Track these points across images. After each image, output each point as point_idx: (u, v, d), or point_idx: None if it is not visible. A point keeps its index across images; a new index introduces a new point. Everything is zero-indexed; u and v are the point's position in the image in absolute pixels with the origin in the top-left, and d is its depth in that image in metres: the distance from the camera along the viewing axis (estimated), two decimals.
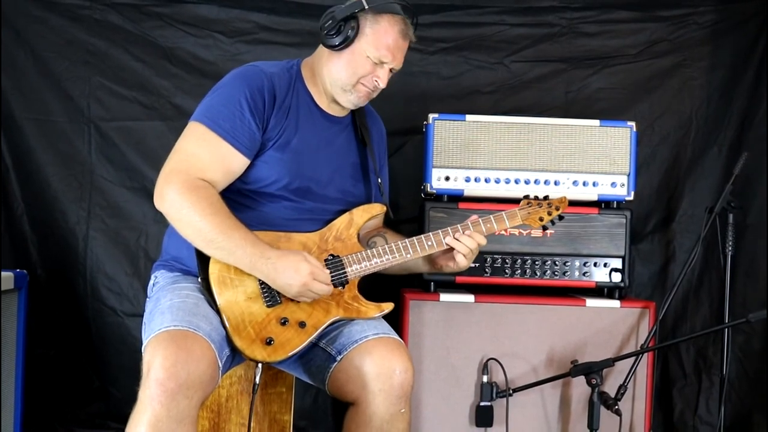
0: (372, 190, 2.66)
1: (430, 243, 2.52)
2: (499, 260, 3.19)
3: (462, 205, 3.18)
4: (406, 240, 2.51)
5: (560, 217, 2.62)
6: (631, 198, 3.23)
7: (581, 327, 3.15)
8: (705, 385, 3.65)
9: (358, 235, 2.53)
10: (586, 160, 3.21)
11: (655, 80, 3.71)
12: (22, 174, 3.59)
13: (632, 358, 3.03)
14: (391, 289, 3.33)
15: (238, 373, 2.62)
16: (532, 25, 3.72)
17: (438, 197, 3.21)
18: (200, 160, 2.37)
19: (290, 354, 2.36)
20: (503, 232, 3.15)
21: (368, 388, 2.32)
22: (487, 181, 3.20)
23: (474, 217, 2.57)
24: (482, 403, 3.10)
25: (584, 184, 3.21)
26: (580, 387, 3.08)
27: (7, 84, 3.57)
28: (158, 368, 2.10)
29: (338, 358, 2.37)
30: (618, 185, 3.21)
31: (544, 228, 2.62)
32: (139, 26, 3.62)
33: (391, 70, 2.52)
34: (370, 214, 2.56)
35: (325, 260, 2.44)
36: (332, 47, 2.48)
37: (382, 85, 2.52)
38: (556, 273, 3.20)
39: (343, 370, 2.36)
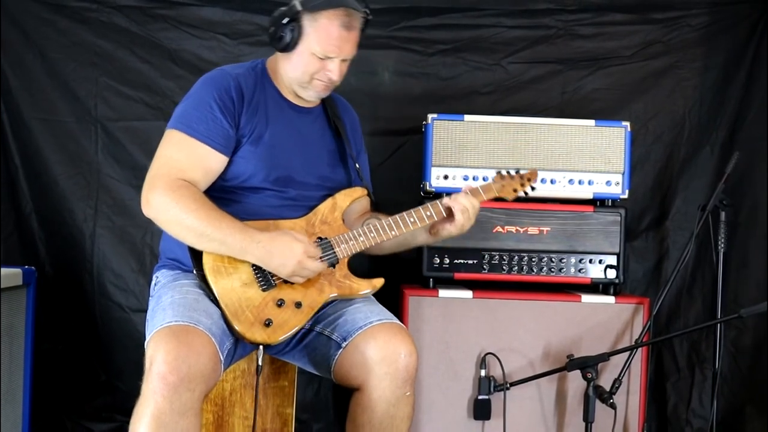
0: (351, 176, 2.71)
1: (429, 214, 2.56)
2: (497, 257, 3.23)
3: None
4: (390, 219, 2.55)
5: (532, 188, 2.70)
6: (625, 196, 3.26)
7: (577, 322, 3.18)
8: (698, 379, 3.69)
9: (343, 218, 2.59)
10: (582, 159, 3.25)
11: (649, 81, 3.74)
12: (31, 173, 3.62)
13: (627, 353, 3.05)
14: (391, 285, 3.39)
15: (242, 367, 2.66)
16: (528, 27, 3.75)
17: (437, 195, 3.22)
18: (179, 162, 2.43)
19: (289, 334, 2.41)
20: (501, 229, 3.21)
21: (374, 372, 2.36)
22: (485, 179, 3.19)
23: (467, 186, 2.64)
24: (480, 397, 3.13)
25: (580, 182, 3.25)
26: (575, 381, 3.11)
27: (16, 85, 3.60)
28: (160, 362, 2.15)
29: (343, 345, 2.41)
30: (613, 184, 3.25)
31: (518, 199, 2.70)
32: (145, 28, 3.65)
33: (344, 60, 2.56)
34: (351, 197, 2.63)
35: (314, 242, 2.49)
36: (280, 51, 2.55)
37: (335, 77, 2.55)
38: (552, 270, 3.24)
39: (348, 356, 2.40)
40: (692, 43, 3.74)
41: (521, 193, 2.69)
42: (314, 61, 2.52)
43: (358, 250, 2.51)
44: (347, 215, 2.64)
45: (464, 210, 2.55)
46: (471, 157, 3.24)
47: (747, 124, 3.69)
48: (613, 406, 2.94)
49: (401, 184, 3.55)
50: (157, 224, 2.44)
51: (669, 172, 3.75)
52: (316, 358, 2.51)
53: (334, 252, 2.49)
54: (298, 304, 2.43)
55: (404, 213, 2.55)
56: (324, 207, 2.57)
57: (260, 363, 2.42)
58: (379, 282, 2.55)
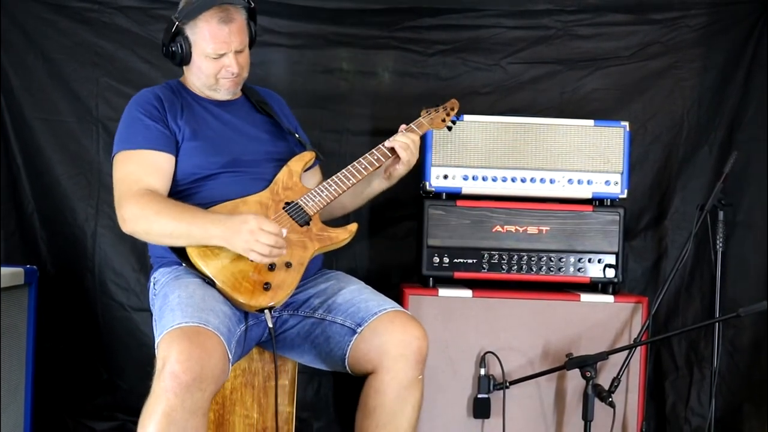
0: (294, 146, 2.84)
1: (376, 157, 2.74)
2: (496, 256, 3.24)
3: (460, 203, 3.23)
4: (344, 170, 2.69)
5: (457, 117, 3.01)
6: (624, 196, 3.27)
7: (576, 321, 3.19)
8: (696, 377, 3.69)
9: (301, 180, 2.73)
10: (581, 159, 3.25)
11: (647, 81, 3.74)
12: (33, 173, 3.62)
13: (626, 352, 3.06)
14: (392, 285, 3.41)
15: (242, 366, 2.70)
16: (527, 28, 3.74)
17: (437, 195, 3.25)
18: (133, 174, 2.57)
19: (290, 292, 2.51)
20: (500, 229, 3.22)
21: (390, 354, 2.46)
22: (484, 179, 3.25)
23: (402, 126, 2.82)
24: (480, 396, 3.14)
25: (579, 182, 3.25)
26: (574, 380, 3.12)
27: (17, 85, 3.60)
28: (173, 362, 2.19)
29: (358, 330, 2.51)
30: (612, 183, 3.25)
31: (449, 128, 3.00)
32: (146, 29, 3.64)
33: (238, 52, 2.68)
34: (303, 160, 2.77)
35: (283, 207, 2.61)
36: (180, 65, 2.74)
37: (236, 70, 2.70)
38: (551, 269, 3.25)
39: (365, 340, 2.50)
40: (691, 44, 3.73)
41: (449, 123, 2.98)
42: (211, 62, 2.68)
43: (325, 204, 2.64)
44: (303, 180, 2.76)
45: (406, 147, 2.75)
46: (470, 156, 3.24)
47: (745, 124, 3.69)
48: (611, 404, 2.94)
49: (401, 184, 3.52)
50: (139, 238, 2.59)
51: (668, 172, 3.75)
52: (328, 347, 2.57)
53: (304, 210, 2.61)
54: (288, 264, 2.53)
55: (354, 163, 2.72)
56: (282, 175, 2.71)
57: (271, 325, 2.48)
58: (353, 227, 2.69)
